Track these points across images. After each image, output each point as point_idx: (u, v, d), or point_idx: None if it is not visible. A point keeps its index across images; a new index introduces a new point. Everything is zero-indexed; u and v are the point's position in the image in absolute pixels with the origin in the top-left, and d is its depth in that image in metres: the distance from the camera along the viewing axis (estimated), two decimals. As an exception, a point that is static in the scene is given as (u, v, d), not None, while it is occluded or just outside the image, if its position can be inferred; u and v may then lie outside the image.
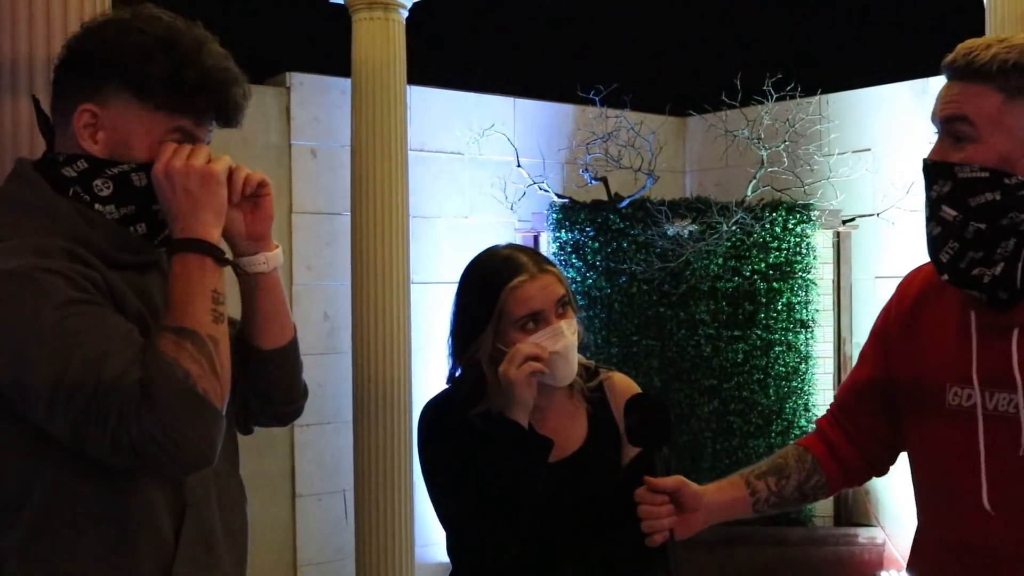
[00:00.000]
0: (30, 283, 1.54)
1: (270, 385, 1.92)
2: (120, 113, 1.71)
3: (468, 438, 2.26)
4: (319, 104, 5.93)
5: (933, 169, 1.83)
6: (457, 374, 2.39)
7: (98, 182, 1.71)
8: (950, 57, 1.82)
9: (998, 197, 1.75)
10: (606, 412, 2.36)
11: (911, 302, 2.04)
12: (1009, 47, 1.76)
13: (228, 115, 1.80)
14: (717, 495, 2.10)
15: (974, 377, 1.85)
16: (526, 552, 2.19)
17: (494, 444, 2.19)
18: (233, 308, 1.78)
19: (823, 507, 6.32)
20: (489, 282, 2.28)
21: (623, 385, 2.41)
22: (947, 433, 1.91)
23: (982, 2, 4.61)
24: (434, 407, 2.36)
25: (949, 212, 1.80)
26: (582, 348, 2.40)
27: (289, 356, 1.93)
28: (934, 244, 1.85)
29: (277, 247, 1.88)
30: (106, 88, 1.70)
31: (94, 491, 1.63)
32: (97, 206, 1.71)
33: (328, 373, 5.88)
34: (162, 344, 1.57)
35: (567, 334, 2.25)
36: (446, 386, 2.42)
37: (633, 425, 2.10)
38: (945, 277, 1.86)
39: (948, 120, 1.82)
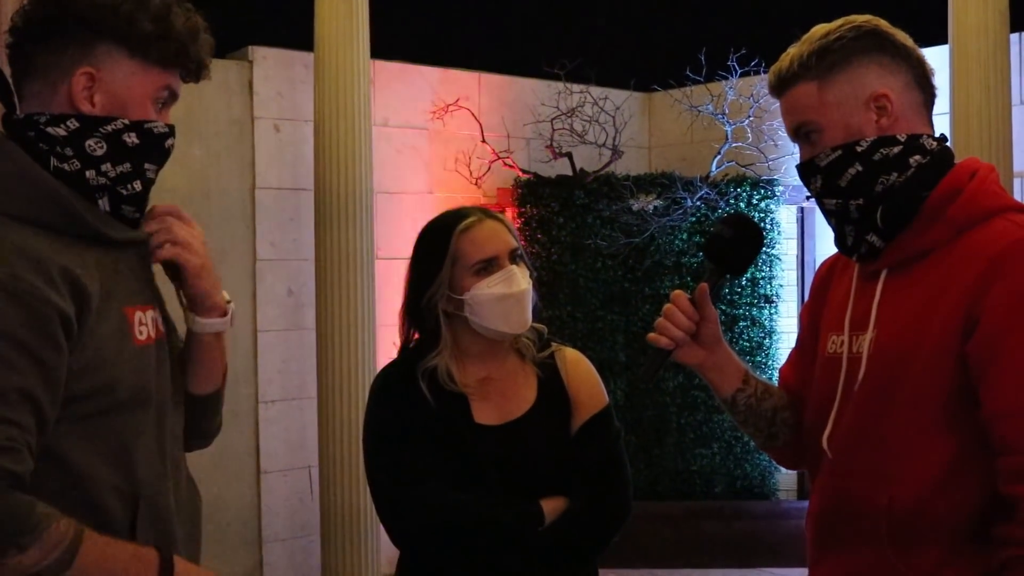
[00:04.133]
0: None
1: (188, 420, 1.92)
2: (114, 73, 1.69)
3: (413, 405, 2.26)
4: (282, 79, 5.88)
5: (802, 171, 1.94)
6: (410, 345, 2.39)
7: (91, 142, 1.68)
8: (768, 84, 1.98)
9: (860, 168, 1.85)
10: (557, 381, 2.36)
11: (821, 278, 2.13)
12: (802, 44, 1.90)
13: (200, 69, 1.80)
14: (728, 351, 2.06)
15: (846, 323, 1.93)
16: (465, 513, 2.20)
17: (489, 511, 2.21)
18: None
19: (787, 481, 6.38)
20: (440, 228, 2.32)
21: (575, 358, 2.42)
22: (821, 379, 1.98)
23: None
24: (383, 376, 2.38)
25: (830, 202, 1.90)
26: (544, 321, 2.41)
27: (211, 404, 1.95)
28: (836, 235, 1.95)
29: (229, 303, 1.89)
30: (97, 49, 1.68)
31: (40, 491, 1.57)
32: (89, 172, 1.68)
33: (292, 349, 5.85)
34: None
35: (520, 279, 2.27)
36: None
37: (724, 236, 2.05)
38: (855, 257, 1.94)
39: (794, 131, 1.94)
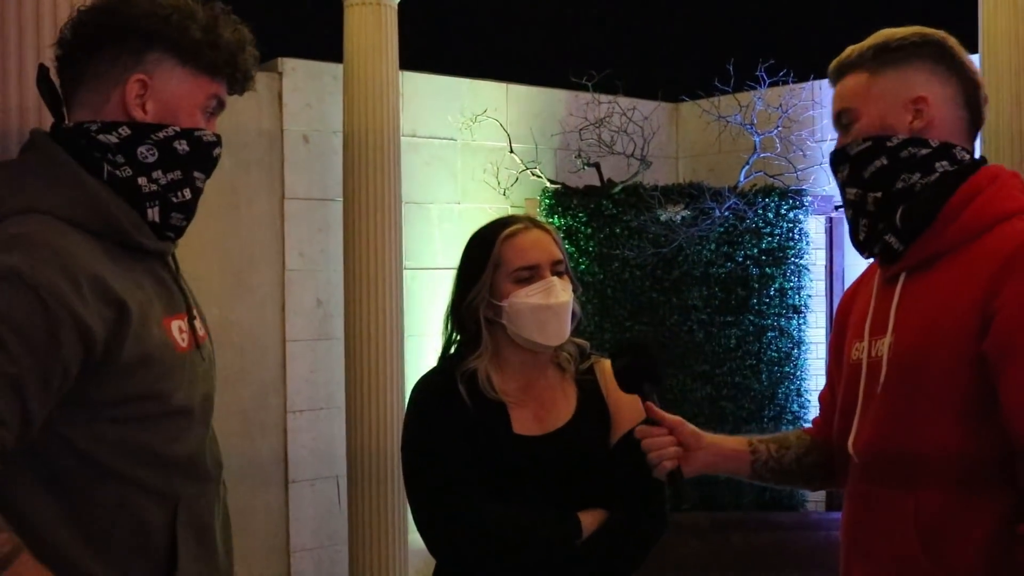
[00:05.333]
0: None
1: None
2: (166, 80, 1.71)
3: (453, 413, 2.26)
4: (311, 90, 5.92)
5: (833, 159, 1.98)
6: (450, 351, 2.39)
7: (143, 149, 1.69)
8: (828, 72, 2.03)
9: (885, 162, 1.87)
10: (596, 392, 2.36)
11: (845, 302, 2.16)
12: (868, 39, 1.95)
13: (247, 80, 1.82)
14: (719, 440, 2.13)
15: (866, 328, 1.95)
16: (504, 526, 2.19)
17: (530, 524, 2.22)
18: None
19: (815, 492, 6.34)
20: (486, 234, 2.34)
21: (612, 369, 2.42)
22: (846, 386, 2.00)
23: (974, -12, 4.61)
24: (423, 383, 2.37)
25: (851, 192, 1.93)
26: (577, 332, 2.41)
27: None
28: (851, 228, 1.97)
29: None
30: (149, 57, 1.70)
31: (54, 499, 1.58)
32: (141, 179, 1.69)
33: (321, 359, 5.87)
34: None
35: (560, 291, 2.28)
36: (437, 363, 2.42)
37: (624, 367, 2.16)
38: (866, 254, 1.98)
39: (836, 117, 1.98)
